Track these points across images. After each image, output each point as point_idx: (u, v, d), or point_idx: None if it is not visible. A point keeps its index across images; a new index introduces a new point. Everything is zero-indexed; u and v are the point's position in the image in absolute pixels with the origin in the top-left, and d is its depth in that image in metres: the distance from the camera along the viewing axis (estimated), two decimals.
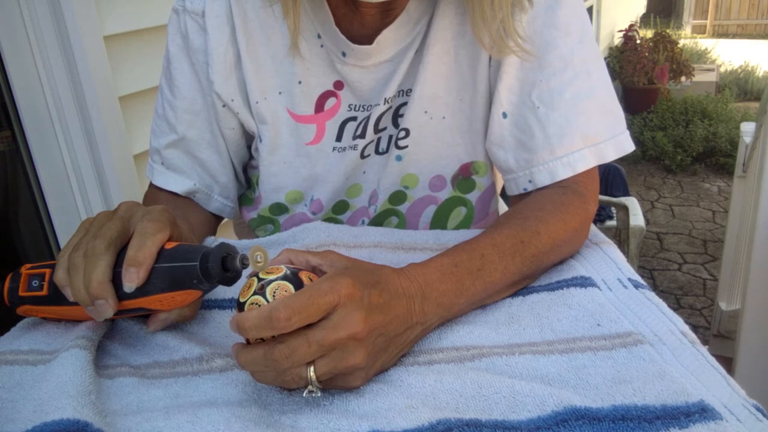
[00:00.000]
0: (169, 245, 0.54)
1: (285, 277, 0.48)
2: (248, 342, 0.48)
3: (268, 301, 0.47)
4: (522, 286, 0.63)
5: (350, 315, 0.47)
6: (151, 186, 0.85)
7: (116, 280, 0.53)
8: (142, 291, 0.53)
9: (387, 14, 0.73)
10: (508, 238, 0.61)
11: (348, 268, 0.52)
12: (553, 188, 0.71)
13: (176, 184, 0.82)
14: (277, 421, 0.46)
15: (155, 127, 0.83)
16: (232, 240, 0.79)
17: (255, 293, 0.48)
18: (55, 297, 0.57)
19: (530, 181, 0.73)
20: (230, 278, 0.53)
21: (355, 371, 0.48)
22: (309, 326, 0.46)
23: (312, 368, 0.46)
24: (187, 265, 0.52)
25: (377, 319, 0.49)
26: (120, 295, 0.53)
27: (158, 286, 0.53)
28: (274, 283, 0.48)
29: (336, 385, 0.49)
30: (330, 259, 0.53)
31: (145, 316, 0.59)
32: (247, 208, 0.88)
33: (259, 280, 0.48)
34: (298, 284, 0.48)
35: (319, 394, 0.47)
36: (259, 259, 0.49)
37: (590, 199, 0.70)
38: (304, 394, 0.47)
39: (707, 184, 4.04)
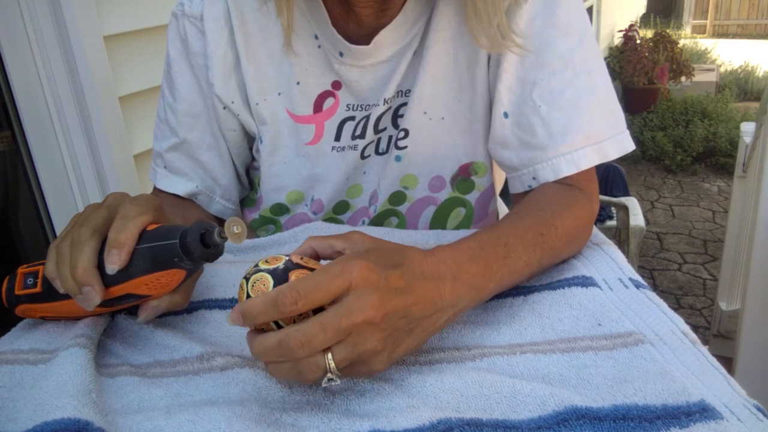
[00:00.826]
0: (151, 227, 0.54)
1: (273, 271, 0.47)
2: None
3: (248, 295, 0.47)
4: (534, 277, 0.63)
5: (364, 298, 0.45)
6: (155, 189, 0.85)
7: (102, 267, 0.53)
8: (125, 274, 0.52)
9: (383, 14, 0.73)
10: (529, 230, 0.61)
11: (369, 250, 0.50)
12: (560, 185, 0.71)
13: (178, 186, 0.82)
14: (278, 420, 0.46)
15: (157, 131, 0.83)
16: None
17: (242, 280, 0.48)
18: (49, 292, 0.57)
19: (534, 179, 0.73)
20: (211, 254, 0.53)
21: (373, 356, 0.46)
22: (323, 312, 0.45)
23: (330, 355, 0.45)
24: (167, 244, 0.52)
25: (395, 302, 0.47)
26: (106, 281, 0.53)
27: (141, 267, 0.52)
28: (254, 276, 0.47)
29: (358, 371, 0.47)
30: (353, 241, 0.52)
31: None
32: (248, 209, 0.88)
33: (257, 271, 0.48)
34: (281, 280, 0.47)
35: (338, 382, 0.46)
36: (236, 230, 0.49)
37: (593, 198, 0.71)
38: (323, 384, 0.46)
39: (707, 184, 4.04)
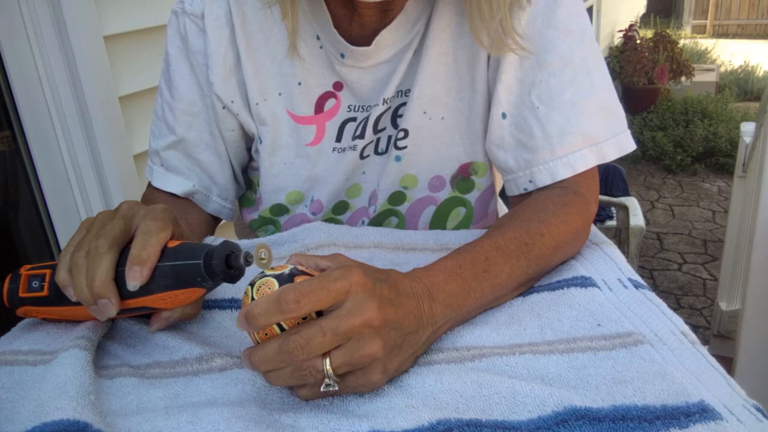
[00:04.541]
0: (172, 244, 0.54)
1: (278, 276, 0.48)
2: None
3: (253, 298, 0.47)
4: (527, 288, 0.63)
5: (363, 302, 0.46)
6: (150, 187, 0.85)
7: (119, 279, 0.53)
8: (145, 289, 0.52)
9: (385, 15, 0.73)
10: (511, 241, 0.61)
11: (357, 265, 0.52)
12: (554, 189, 0.71)
13: (175, 185, 0.82)
14: (277, 421, 0.46)
15: (154, 129, 0.83)
16: (235, 240, 0.79)
17: (247, 286, 0.48)
18: (57, 297, 0.57)
19: (530, 181, 0.73)
20: (234, 276, 0.53)
21: (372, 362, 0.47)
22: (322, 316, 0.46)
23: (328, 360, 0.46)
24: (191, 263, 0.52)
25: (390, 311, 0.48)
26: (123, 294, 0.53)
27: (162, 284, 0.52)
28: (260, 280, 0.48)
29: (356, 383, 0.47)
30: (339, 261, 0.53)
31: (146, 316, 0.59)
32: (247, 210, 0.88)
33: (262, 277, 0.48)
34: (286, 284, 0.47)
35: (336, 388, 0.46)
36: (263, 256, 0.49)
37: (591, 200, 0.70)
38: (322, 389, 0.46)
39: (707, 184, 4.04)
